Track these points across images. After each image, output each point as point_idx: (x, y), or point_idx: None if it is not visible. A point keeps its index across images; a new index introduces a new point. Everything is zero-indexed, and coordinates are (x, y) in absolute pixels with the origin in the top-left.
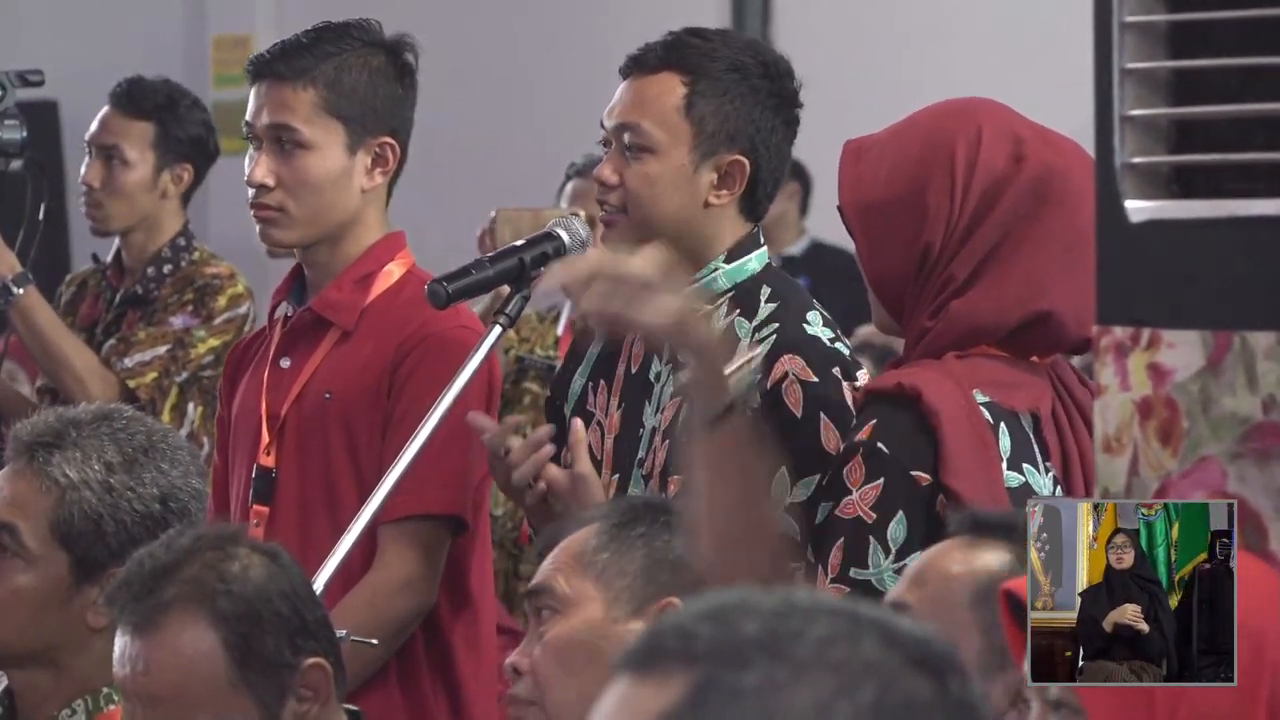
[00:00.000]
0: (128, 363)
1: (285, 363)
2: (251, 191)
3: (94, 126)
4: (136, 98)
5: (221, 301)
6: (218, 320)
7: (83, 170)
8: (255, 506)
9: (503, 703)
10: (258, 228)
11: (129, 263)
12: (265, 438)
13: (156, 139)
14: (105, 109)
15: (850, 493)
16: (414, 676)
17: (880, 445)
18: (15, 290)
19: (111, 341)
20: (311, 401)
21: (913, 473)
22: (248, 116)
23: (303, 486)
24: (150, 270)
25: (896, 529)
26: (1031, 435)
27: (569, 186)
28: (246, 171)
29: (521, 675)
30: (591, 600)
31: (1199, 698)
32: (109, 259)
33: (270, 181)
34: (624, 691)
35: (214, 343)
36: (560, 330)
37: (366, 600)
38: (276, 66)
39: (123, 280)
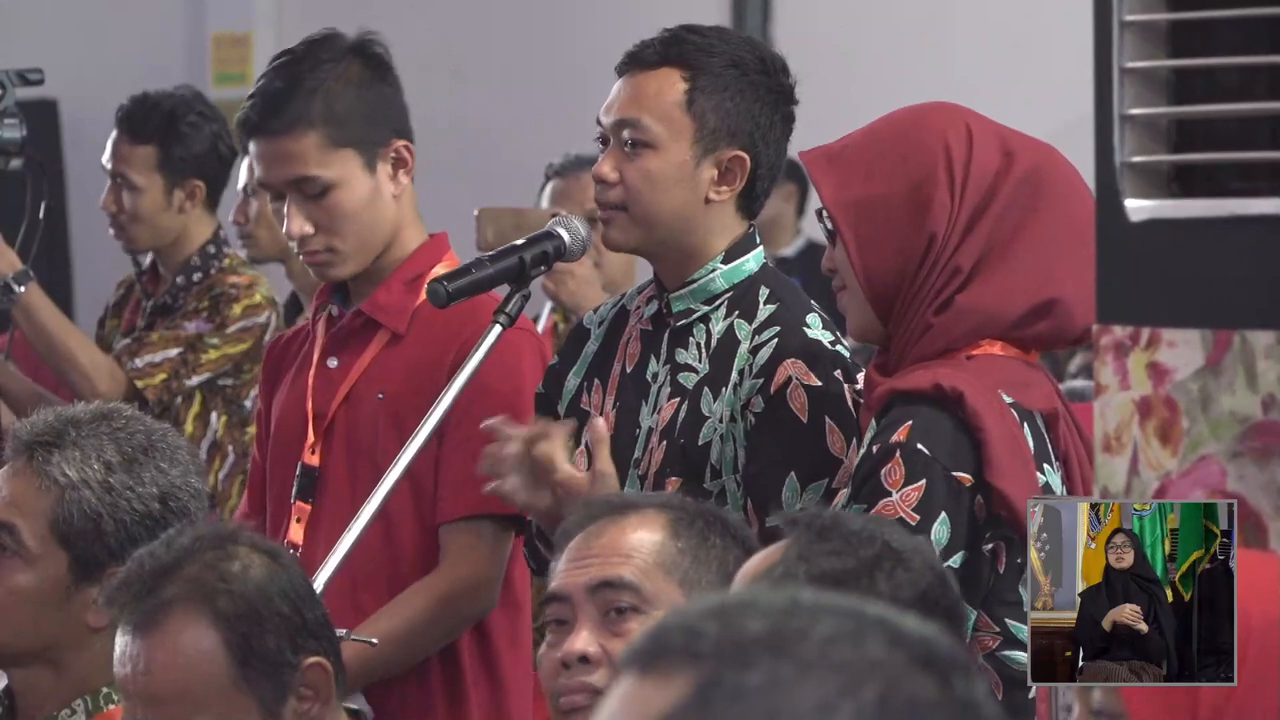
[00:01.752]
0: (138, 363)
1: (332, 363)
2: (294, 242)
3: (106, 150)
4: (138, 120)
5: (236, 310)
6: (231, 329)
7: (102, 196)
8: (298, 503)
9: (570, 686)
10: (313, 270)
11: (163, 271)
12: (310, 437)
13: (160, 162)
14: (115, 131)
15: (890, 494)
16: (457, 672)
17: (920, 446)
18: (17, 288)
19: (125, 341)
20: (362, 401)
21: (954, 474)
22: (258, 175)
23: (353, 485)
24: (179, 279)
25: (940, 530)
26: (1045, 435)
27: (548, 187)
28: (284, 227)
29: (593, 665)
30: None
31: (1245, 700)
32: (146, 263)
33: (310, 230)
34: (628, 690)
35: (229, 350)
36: (540, 331)
37: (439, 597)
38: (269, 124)
39: (158, 287)
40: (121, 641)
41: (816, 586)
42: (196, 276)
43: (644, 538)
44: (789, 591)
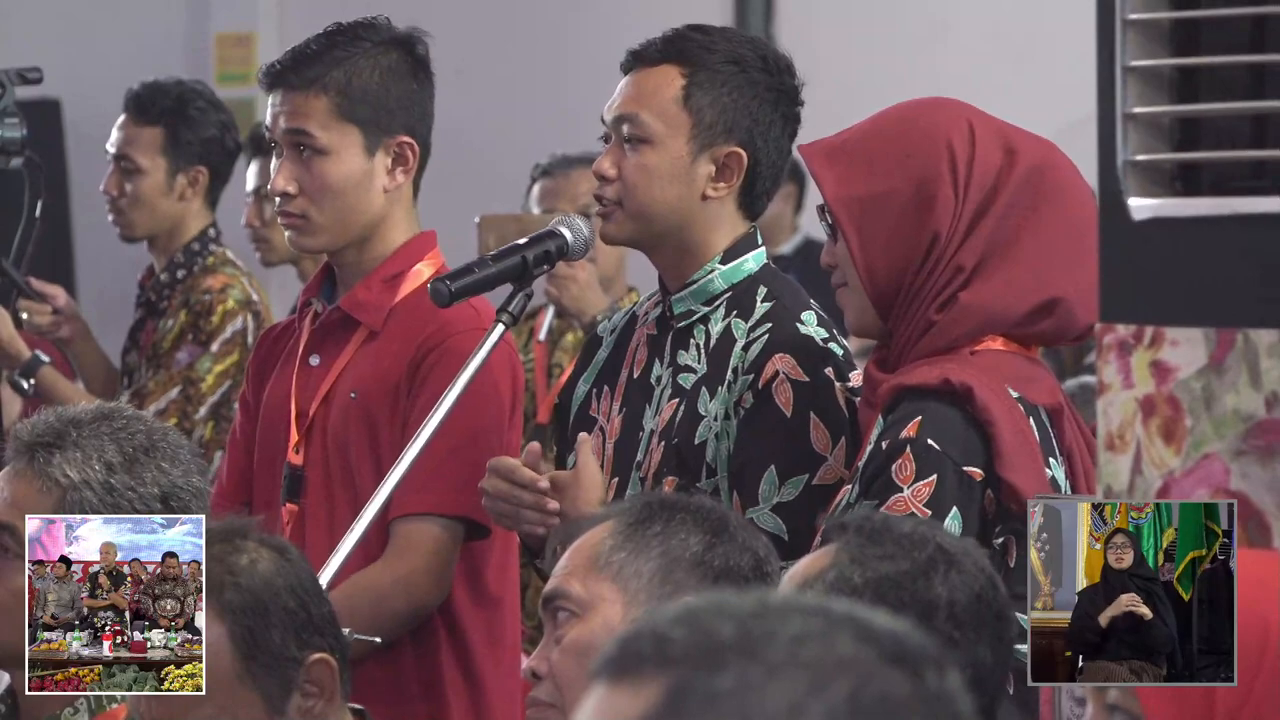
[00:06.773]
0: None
1: (314, 360)
2: (277, 199)
3: (111, 135)
4: (146, 103)
5: (215, 320)
6: (216, 345)
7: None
8: (287, 505)
9: (525, 702)
10: (287, 234)
11: (156, 266)
12: (294, 436)
13: (165, 144)
14: (122, 115)
15: (901, 490)
16: (435, 673)
17: (931, 442)
18: (28, 384)
19: (125, 395)
20: (338, 400)
21: (965, 469)
22: (266, 123)
23: (329, 485)
24: (164, 276)
25: (951, 525)
26: (1049, 429)
27: (535, 188)
28: (271, 179)
29: (541, 679)
30: (609, 602)
31: (1262, 705)
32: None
33: (292, 189)
34: (601, 698)
35: (219, 368)
36: (543, 338)
37: (368, 598)
38: (288, 77)
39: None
40: None
41: (872, 590)
42: (180, 274)
43: (584, 544)
44: (758, 593)
